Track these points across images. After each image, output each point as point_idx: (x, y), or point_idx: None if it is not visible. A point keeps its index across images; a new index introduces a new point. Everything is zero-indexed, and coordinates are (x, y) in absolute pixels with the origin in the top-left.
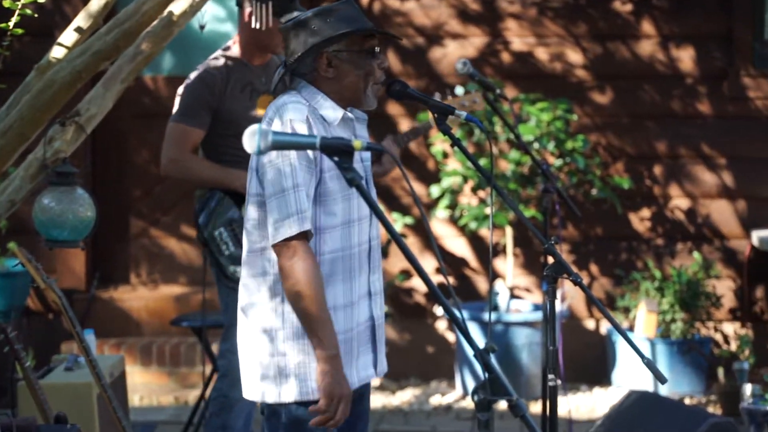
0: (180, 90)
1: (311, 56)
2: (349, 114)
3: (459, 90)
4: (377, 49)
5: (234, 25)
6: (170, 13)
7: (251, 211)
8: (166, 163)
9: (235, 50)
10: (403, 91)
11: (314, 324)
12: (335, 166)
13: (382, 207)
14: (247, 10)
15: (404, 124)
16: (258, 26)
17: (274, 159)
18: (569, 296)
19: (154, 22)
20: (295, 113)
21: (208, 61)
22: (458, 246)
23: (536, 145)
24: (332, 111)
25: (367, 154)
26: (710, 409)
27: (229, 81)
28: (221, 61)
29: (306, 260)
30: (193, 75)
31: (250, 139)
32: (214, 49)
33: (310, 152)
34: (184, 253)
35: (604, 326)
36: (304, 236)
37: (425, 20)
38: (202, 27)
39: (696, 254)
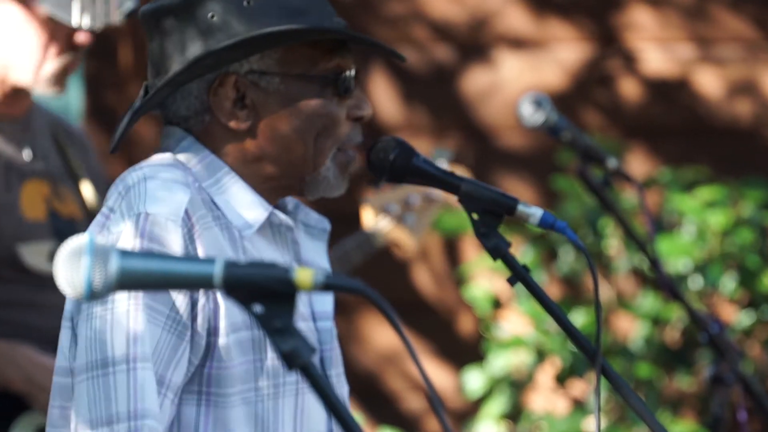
0: None
1: (202, 81)
2: (282, 217)
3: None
4: (349, 73)
5: None
6: None
7: (66, 397)
8: None
9: None
10: (408, 163)
11: None
12: (254, 324)
13: (358, 415)
14: None
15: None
16: (87, 23)
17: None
18: None
19: None
20: (164, 201)
21: None
22: None
23: (697, 282)
24: (247, 205)
25: (326, 305)
26: None
27: None
28: None
29: None
30: None
31: (69, 267)
32: None
33: (180, 293)
34: None
35: None
36: None
37: (454, 7)
38: None
39: None
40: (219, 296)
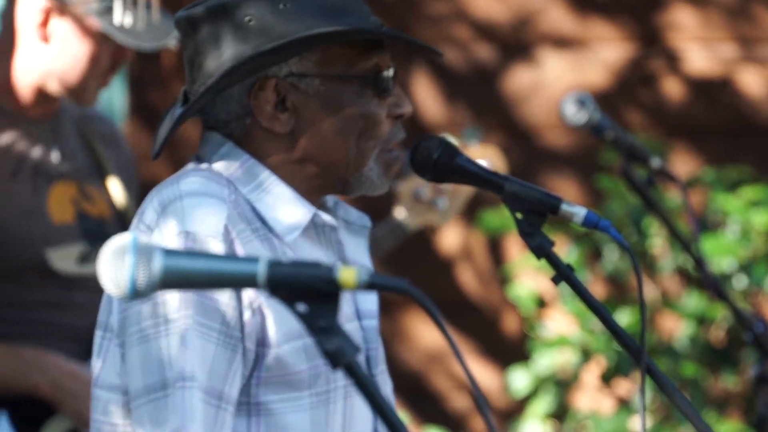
0: None
1: (242, 86)
2: (326, 217)
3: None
4: (388, 72)
5: None
6: None
7: (112, 413)
8: None
9: None
10: (451, 162)
11: None
12: (301, 327)
13: (404, 415)
14: None
15: (446, 236)
16: (129, 21)
17: (144, 317)
18: None
19: None
20: (202, 219)
21: None
22: None
23: (742, 282)
24: (290, 209)
25: (371, 303)
26: None
27: None
28: None
29: None
30: None
31: (113, 265)
32: None
33: (231, 299)
34: None
35: None
36: None
37: (497, 6)
38: None
39: None
40: (265, 307)
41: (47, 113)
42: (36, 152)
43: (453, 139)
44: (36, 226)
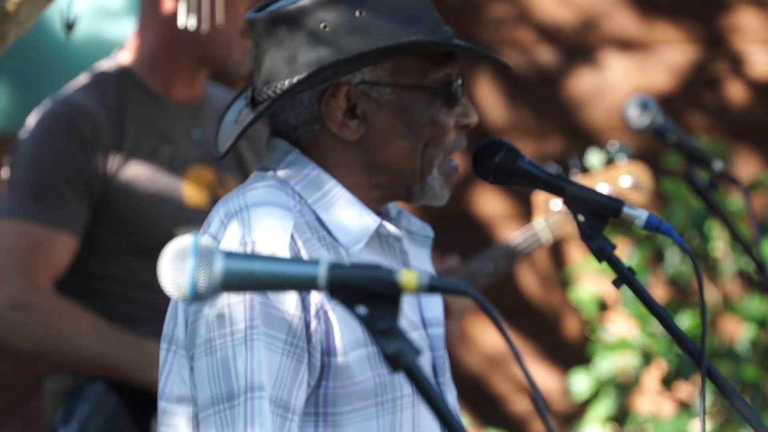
0: (19, 152)
1: (313, 91)
2: (391, 228)
3: (596, 158)
4: (457, 83)
5: None
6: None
7: (179, 425)
8: (5, 310)
9: (134, 65)
10: (513, 164)
11: None
12: (365, 335)
13: (464, 418)
14: None
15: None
16: (193, 23)
17: (211, 328)
18: None
19: None
20: (268, 228)
21: (78, 86)
22: None
23: None
24: (355, 219)
25: (436, 311)
26: None
27: (125, 130)
28: (108, 89)
29: None
30: (46, 117)
31: (174, 268)
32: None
33: (297, 308)
34: None
35: None
36: None
37: (560, 9)
38: (69, 27)
39: None
40: (330, 316)
41: (192, 98)
42: (176, 135)
43: (601, 154)
44: (168, 207)
